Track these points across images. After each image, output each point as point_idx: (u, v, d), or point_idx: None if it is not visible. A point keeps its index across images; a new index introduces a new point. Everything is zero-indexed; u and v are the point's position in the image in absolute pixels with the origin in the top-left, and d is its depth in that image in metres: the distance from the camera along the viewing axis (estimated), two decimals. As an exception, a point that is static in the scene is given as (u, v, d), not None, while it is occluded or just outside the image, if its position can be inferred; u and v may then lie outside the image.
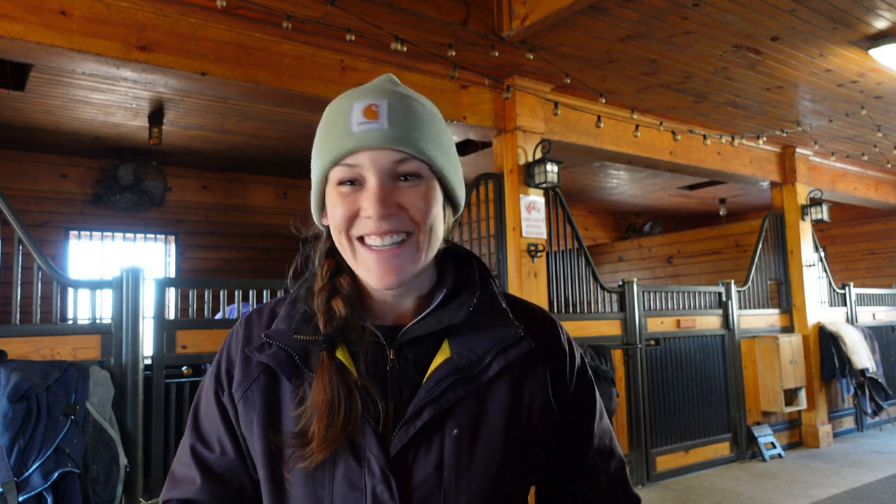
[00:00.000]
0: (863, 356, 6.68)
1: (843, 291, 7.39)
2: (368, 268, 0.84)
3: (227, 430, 0.91)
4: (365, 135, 0.81)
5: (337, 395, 0.80)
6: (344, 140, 0.82)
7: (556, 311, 4.90)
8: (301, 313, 0.89)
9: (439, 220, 0.87)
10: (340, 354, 0.85)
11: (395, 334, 0.88)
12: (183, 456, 0.94)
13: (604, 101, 4.84)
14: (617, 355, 5.20)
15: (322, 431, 0.80)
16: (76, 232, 6.37)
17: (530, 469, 0.88)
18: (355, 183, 0.83)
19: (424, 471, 0.81)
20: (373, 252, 0.83)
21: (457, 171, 0.90)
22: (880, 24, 3.96)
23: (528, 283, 4.50)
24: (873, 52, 4.27)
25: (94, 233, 6.43)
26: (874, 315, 7.73)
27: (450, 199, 0.90)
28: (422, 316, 0.88)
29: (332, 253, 0.91)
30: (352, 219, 0.83)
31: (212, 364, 0.97)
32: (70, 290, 3.35)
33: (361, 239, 0.83)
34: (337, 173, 0.84)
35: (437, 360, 0.85)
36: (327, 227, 0.91)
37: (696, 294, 6.01)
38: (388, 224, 0.82)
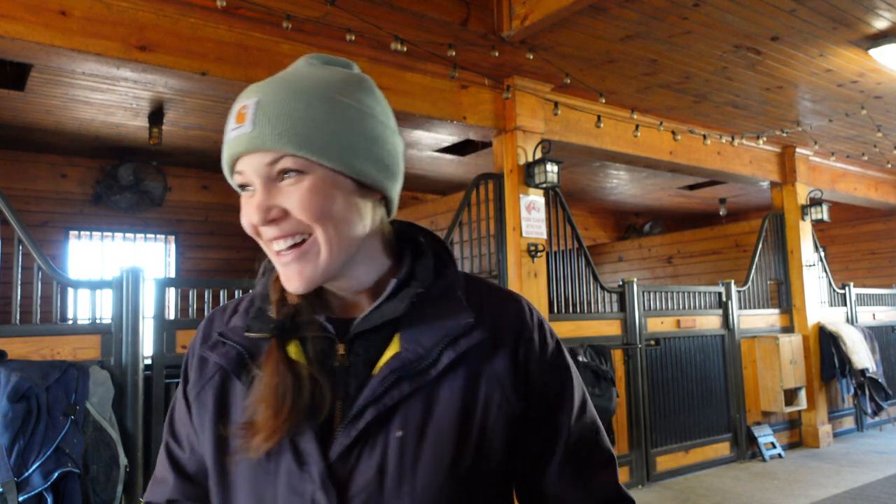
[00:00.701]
0: (863, 356, 6.68)
1: (843, 291, 7.40)
2: (280, 273, 0.81)
3: (194, 430, 0.90)
4: (234, 142, 0.77)
5: (283, 383, 0.78)
6: (225, 149, 0.79)
7: (556, 311, 4.90)
8: (256, 310, 0.86)
9: (346, 215, 0.78)
10: (293, 349, 0.82)
11: (348, 328, 0.84)
12: (160, 455, 0.94)
13: (604, 101, 4.84)
14: (617, 355, 5.20)
15: (268, 420, 0.77)
16: (76, 232, 6.37)
17: (485, 472, 0.80)
18: (249, 188, 0.79)
19: (365, 476, 0.76)
20: (278, 256, 0.79)
21: (368, 152, 0.80)
22: (880, 24, 3.97)
23: (528, 283, 4.50)
24: (873, 52, 4.27)
25: (94, 233, 6.43)
26: (874, 315, 7.73)
27: (368, 188, 0.81)
28: (370, 309, 0.83)
29: None
30: (256, 226, 0.80)
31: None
32: (70, 290, 3.35)
33: (270, 243, 0.81)
34: (235, 180, 0.81)
35: (386, 356, 0.80)
36: None
37: (696, 294, 6.01)
38: (275, 230, 0.78)
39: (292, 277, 0.79)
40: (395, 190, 0.85)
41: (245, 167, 0.78)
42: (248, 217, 0.78)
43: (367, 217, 0.82)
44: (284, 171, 0.76)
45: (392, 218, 0.89)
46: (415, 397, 0.78)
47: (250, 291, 0.92)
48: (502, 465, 0.83)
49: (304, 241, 0.78)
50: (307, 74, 0.81)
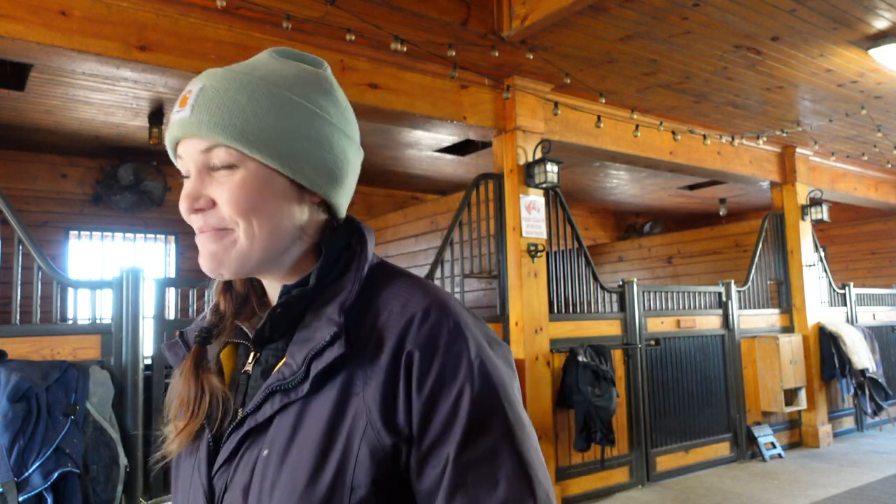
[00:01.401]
0: (863, 356, 6.68)
1: (843, 291, 7.40)
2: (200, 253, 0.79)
3: None
4: (174, 125, 0.76)
5: (188, 391, 0.79)
6: (167, 131, 0.78)
7: (556, 311, 4.90)
8: (206, 312, 0.88)
9: (275, 214, 0.75)
10: (225, 353, 0.83)
11: None
12: None
13: (604, 101, 4.84)
14: (617, 355, 5.20)
15: (177, 422, 0.80)
16: (76, 232, 6.37)
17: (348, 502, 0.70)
18: (188, 175, 0.78)
19: (234, 494, 0.74)
20: (199, 234, 0.78)
21: (307, 153, 0.76)
22: (880, 24, 3.97)
23: (528, 283, 4.50)
24: (873, 52, 4.27)
25: (94, 233, 6.43)
26: (874, 315, 7.73)
27: (305, 189, 0.78)
28: (262, 320, 0.79)
29: None
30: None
31: None
32: (70, 290, 3.35)
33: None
34: (177, 164, 0.80)
35: (277, 367, 0.76)
36: None
37: (696, 294, 6.01)
38: (198, 220, 0.76)
39: (205, 258, 0.77)
40: (339, 195, 0.81)
41: (183, 152, 0.77)
42: (180, 203, 0.77)
43: (299, 220, 0.78)
44: (218, 163, 0.74)
45: (338, 222, 0.84)
46: (285, 414, 0.73)
47: None
48: (378, 500, 0.70)
49: (223, 231, 0.76)
50: (262, 66, 0.78)
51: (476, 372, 0.71)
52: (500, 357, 0.76)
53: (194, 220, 0.77)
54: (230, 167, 0.74)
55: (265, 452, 0.73)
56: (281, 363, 0.76)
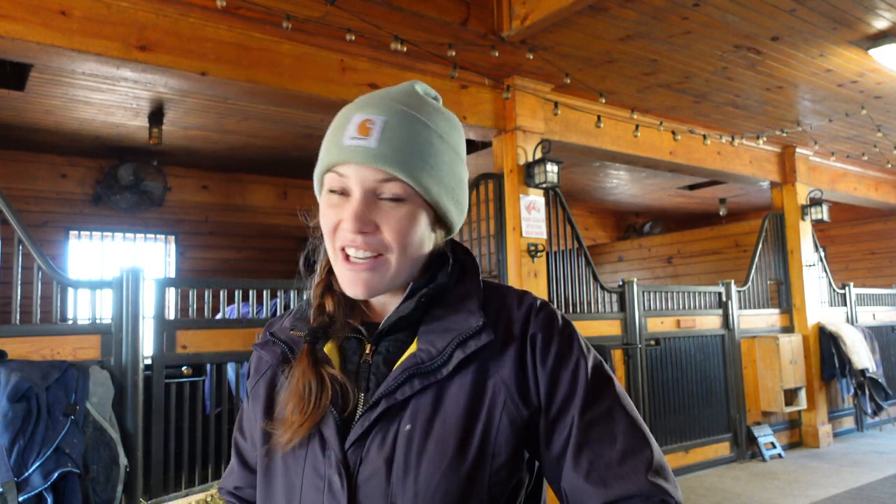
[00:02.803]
0: (863, 356, 6.68)
1: (843, 291, 7.40)
2: (342, 276, 0.87)
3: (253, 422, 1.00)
4: (353, 150, 0.83)
5: (308, 385, 0.85)
6: (336, 151, 0.85)
7: (556, 311, 4.89)
8: (302, 311, 0.95)
9: (420, 243, 0.87)
10: (328, 348, 0.90)
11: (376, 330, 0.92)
12: (233, 448, 1.06)
13: (604, 101, 4.84)
14: (617, 355, 5.20)
15: (293, 417, 0.85)
16: (76, 232, 6.37)
17: (493, 471, 0.82)
18: (344, 194, 0.85)
19: (374, 464, 0.82)
20: (347, 263, 0.85)
21: (454, 193, 0.90)
22: (880, 24, 3.97)
23: (528, 283, 4.50)
24: (873, 52, 4.27)
25: (94, 233, 6.43)
26: (874, 315, 7.73)
27: (441, 222, 0.91)
28: (391, 312, 0.90)
29: None
30: (335, 228, 0.86)
31: None
32: (70, 290, 3.35)
33: (343, 248, 0.87)
34: (328, 180, 0.87)
35: (405, 354, 0.86)
36: None
37: (696, 294, 6.01)
38: (362, 241, 0.83)
39: (357, 284, 0.85)
40: (461, 223, 0.95)
41: (351, 174, 0.84)
42: (342, 220, 0.84)
43: (432, 244, 0.91)
44: (390, 195, 0.83)
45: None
46: (425, 394, 0.83)
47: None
48: (509, 469, 0.84)
49: (377, 258, 0.85)
50: (422, 108, 0.88)
51: (585, 350, 0.89)
52: None
53: (354, 240, 0.84)
54: (399, 200, 0.84)
55: (407, 427, 0.82)
56: (410, 350, 0.86)
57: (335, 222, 0.85)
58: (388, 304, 0.93)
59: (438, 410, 0.83)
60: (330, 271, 0.93)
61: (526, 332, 0.87)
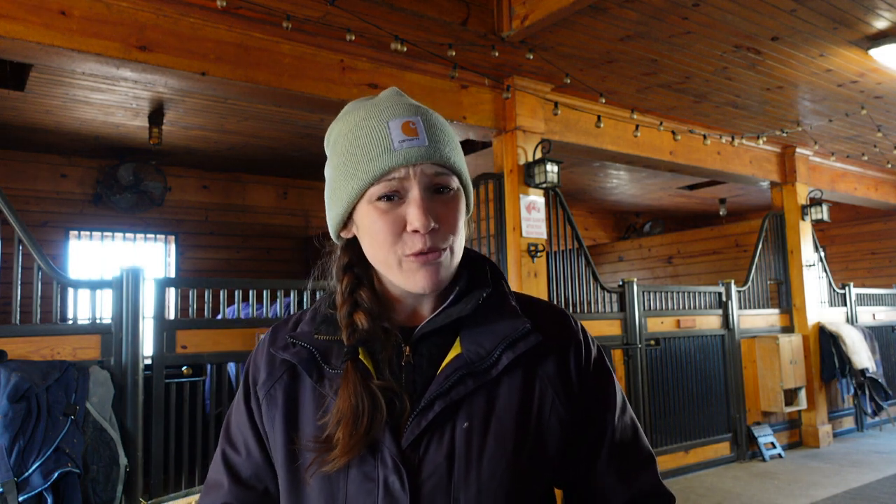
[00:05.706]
0: (863, 356, 6.68)
1: (843, 291, 7.39)
2: (411, 274, 0.86)
3: (254, 434, 0.95)
4: (408, 151, 0.84)
5: (360, 403, 0.83)
6: (387, 157, 0.84)
7: (556, 311, 4.89)
8: (323, 316, 0.94)
9: (463, 231, 0.91)
10: (361, 355, 0.88)
11: (412, 332, 0.91)
12: (215, 462, 1.00)
13: (604, 101, 4.84)
14: (617, 355, 5.20)
15: (346, 438, 0.82)
16: (76, 232, 6.37)
17: (541, 464, 0.88)
18: (394, 198, 0.85)
19: (435, 462, 0.83)
20: (418, 259, 0.85)
21: (468, 183, 0.94)
22: (880, 24, 3.97)
23: (528, 283, 4.50)
24: (873, 52, 4.27)
25: (94, 233, 6.43)
26: (874, 315, 7.73)
27: (468, 206, 0.95)
28: (436, 313, 0.91)
29: (351, 267, 0.94)
30: (398, 233, 0.84)
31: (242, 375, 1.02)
32: (70, 290, 3.35)
33: (411, 251, 0.86)
34: (377, 189, 0.85)
35: (450, 356, 0.87)
36: (344, 242, 0.95)
37: (696, 294, 6.01)
38: (432, 237, 0.84)
39: (428, 279, 0.85)
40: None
41: (407, 175, 0.84)
42: (408, 222, 0.83)
43: (466, 233, 0.94)
44: (443, 186, 0.86)
45: None
46: (478, 393, 0.86)
47: (310, 306, 1.00)
48: (554, 463, 0.90)
49: (444, 250, 0.86)
50: (424, 107, 0.92)
51: (606, 356, 0.98)
52: None
53: (421, 238, 0.84)
54: (450, 191, 0.87)
55: (465, 425, 0.84)
56: (454, 352, 0.87)
57: (394, 227, 0.84)
58: (418, 306, 0.93)
59: (492, 409, 0.86)
60: (353, 290, 0.91)
61: (568, 337, 0.92)
